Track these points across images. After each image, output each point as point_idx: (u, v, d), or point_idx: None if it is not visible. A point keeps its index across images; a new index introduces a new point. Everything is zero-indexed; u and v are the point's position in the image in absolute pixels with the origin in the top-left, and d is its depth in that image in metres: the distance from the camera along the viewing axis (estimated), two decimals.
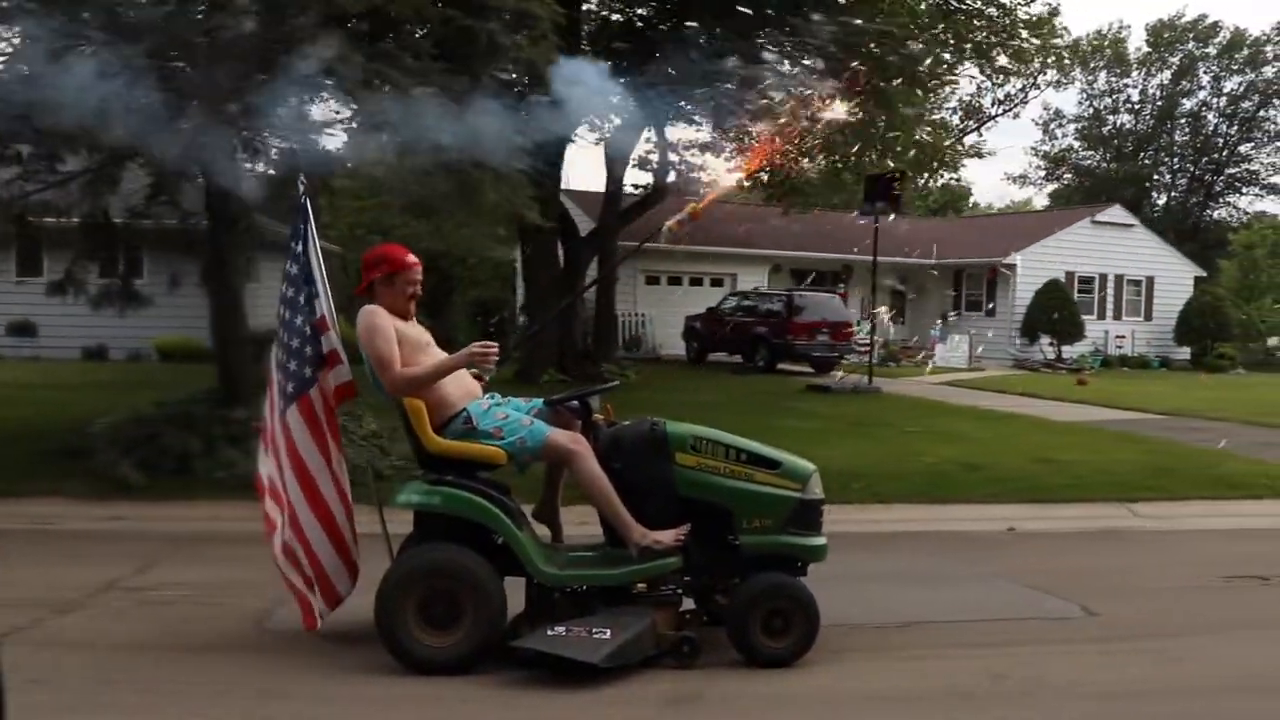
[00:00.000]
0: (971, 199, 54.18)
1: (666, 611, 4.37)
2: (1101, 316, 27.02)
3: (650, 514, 4.33)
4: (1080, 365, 24.28)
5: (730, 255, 24.64)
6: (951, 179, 43.92)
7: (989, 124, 45.55)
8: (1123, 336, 27.05)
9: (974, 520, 8.00)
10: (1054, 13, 21.21)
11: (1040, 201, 51.71)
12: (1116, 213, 26.75)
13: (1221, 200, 49.58)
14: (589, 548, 4.60)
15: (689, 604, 4.52)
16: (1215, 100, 47.74)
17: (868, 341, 23.75)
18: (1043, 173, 50.46)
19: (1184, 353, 27.94)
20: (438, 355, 4.46)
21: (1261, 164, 48.20)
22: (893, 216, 16.71)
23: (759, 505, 4.37)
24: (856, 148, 19.16)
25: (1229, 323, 27.43)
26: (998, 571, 6.13)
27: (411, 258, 4.49)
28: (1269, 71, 45.87)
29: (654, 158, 19.49)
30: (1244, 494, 9.08)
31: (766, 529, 4.37)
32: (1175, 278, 28.12)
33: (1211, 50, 46.82)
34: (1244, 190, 49.00)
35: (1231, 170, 48.79)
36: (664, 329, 23.15)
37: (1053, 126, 50.44)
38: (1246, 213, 49.85)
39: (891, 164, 19.05)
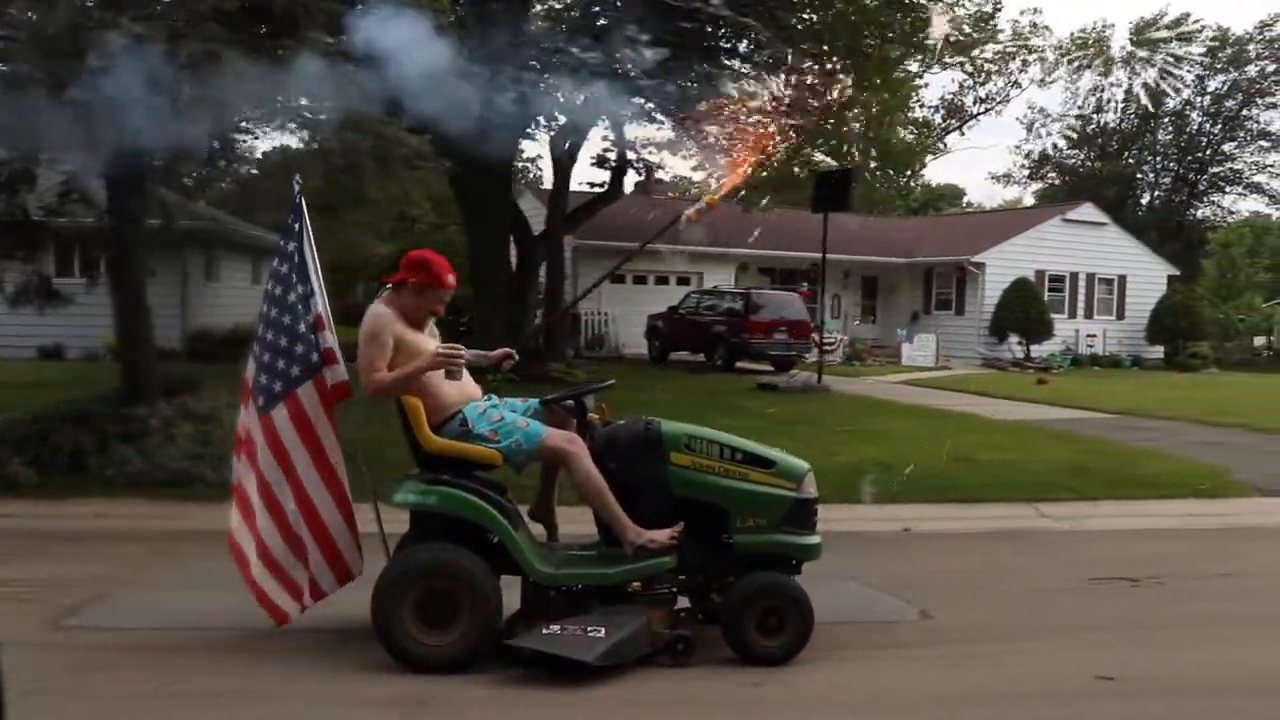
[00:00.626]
0: (965, 199, 54.18)
1: (661, 610, 4.40)
2: (1073, 315, 26.92)
3: (645, 513, 4.37)
4: (1048, 364, 24.18)
5: (696, 254, 24.49)
6: (929, 180, 43.85)
7: (970, 122, 45.50)
8: (1094, 335, 26.94)
9: (874, 520, 7.87)
10: (997, 8, 21.06)
11: (1030, 201, 51.64)
12: (1088, 211, 26.63)
13: (1206, 199, 49.50)
14: (584, 547, 4.62)
15: (684, 602, 4.56)
16: (1199, 99, 47.72)
17: (831, 340, 23.75)
18: (1026, 172, 50.35)
19: (1157, 352, 27.84)
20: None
21: (1245, 163, 48.20)
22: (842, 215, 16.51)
23: (754, 504, 4.42)
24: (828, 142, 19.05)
25: (1201, 321, 27.34)
26: (862, 574, 5.98)
27: (451, 279, 4.48)
28: (1252, 70, 45.82)
29: (611, 155, 19.42)
30: (1158, 494, 8.98)
31: (761, 528, 4.42)
32: (1148, 276, 28.00)
33: (1195, 49, 46.78)
34: (1227, 189, 48.94)
35: (1215, 169, 48.72)
36: (627, 328, 23.03)
37: (1037, 125, 50.38)
38: (1232, 212, 49.93)
39: (859, 156, 18.98)
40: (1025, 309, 24.19)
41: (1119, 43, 47.31)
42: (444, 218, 27.01)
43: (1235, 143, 47.94)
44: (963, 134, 46.39)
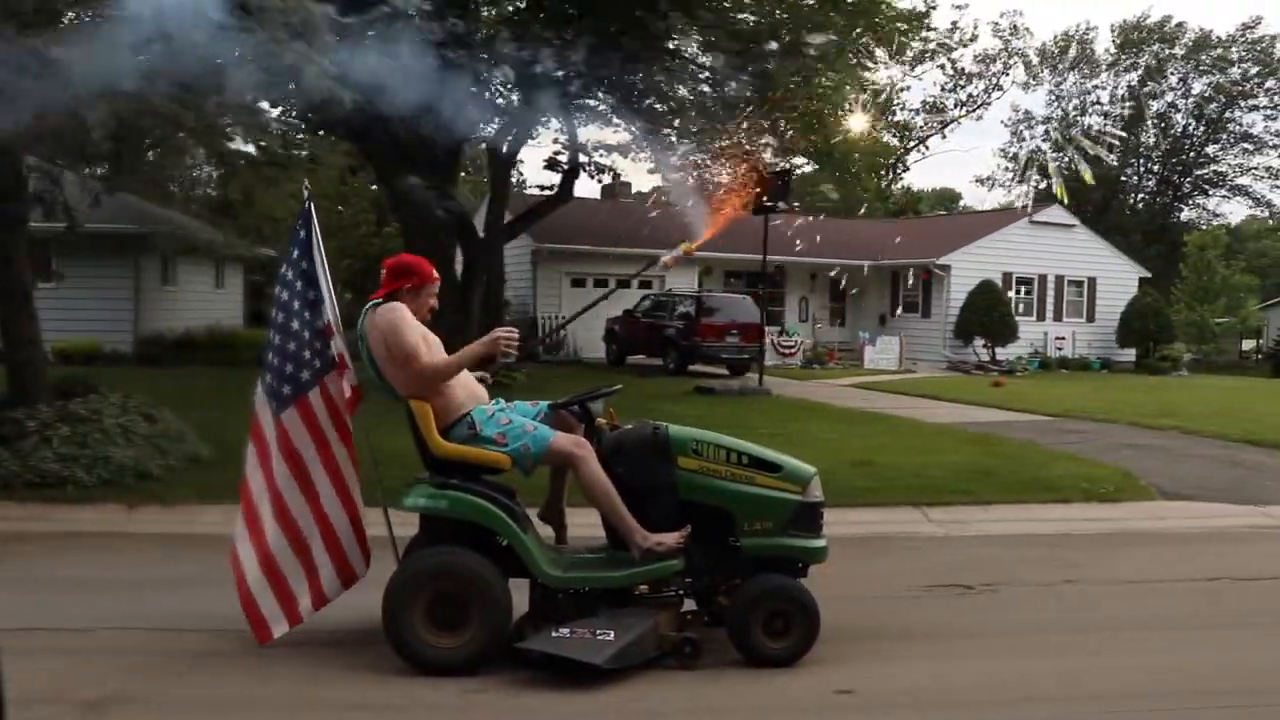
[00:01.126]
0: (961, 203, 53.99)
1: (669, 613, 4.44)
2: (1041, 318, 26.75)
3: (652, 517, 4.40)
4: (1012, 368, 24.01)
5: (658, 257, 24.36)
6: (909, 183, 43.70)
7: (952, 125, 45.39)
8: (1063, 338, 26.76)
9: None
10: (931, 7, 20.94)
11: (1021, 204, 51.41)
12: (1056, 213, 26.42)
13: (1190, 202, 49.35)
14: (593, 550, 4.65)
15: (690, 605, 4.59)
16: (1183, 102, 47.55)
17: (791, 343, 23.60)
18: (1010, 175, 50.19)
19: (1129, 355, 27.65)
20: (443, 358, 4.50)
21: (1229, 165, 48.04)
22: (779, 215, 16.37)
23: (760, 508, 4.46)
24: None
25: (1170, 324, 27.15)
26: None
27: (435, 272, 4.64)
28: (1235, 73, 45.65)
29: (562, 158, 19.29)
30: (1055, 498, 8.81)
31: (768, 531, 4.46)
32: (1119, 279, 27.81)
33: (1179, 51, 46.59)
34: (1210, 192, 48.77)
35: (1199, 171, 48.54)
36: (586, 331, 22.86)
37: (1021, 128, 50.22)
38: (1216, 214, 49.70)
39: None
40: (989, 311, 24.02)
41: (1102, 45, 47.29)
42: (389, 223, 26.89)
43: (1219, 145, 47.85)
44: (944, 137, 46.37)
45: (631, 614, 4.33)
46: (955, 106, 44.67)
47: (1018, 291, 26.31)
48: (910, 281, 25.39)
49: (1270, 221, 51.73)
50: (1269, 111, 45.53)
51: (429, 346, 4.44)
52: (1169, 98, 47.47)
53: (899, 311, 26.82)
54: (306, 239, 4.68)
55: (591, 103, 17.23)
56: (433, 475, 4.43)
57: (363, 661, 4.37)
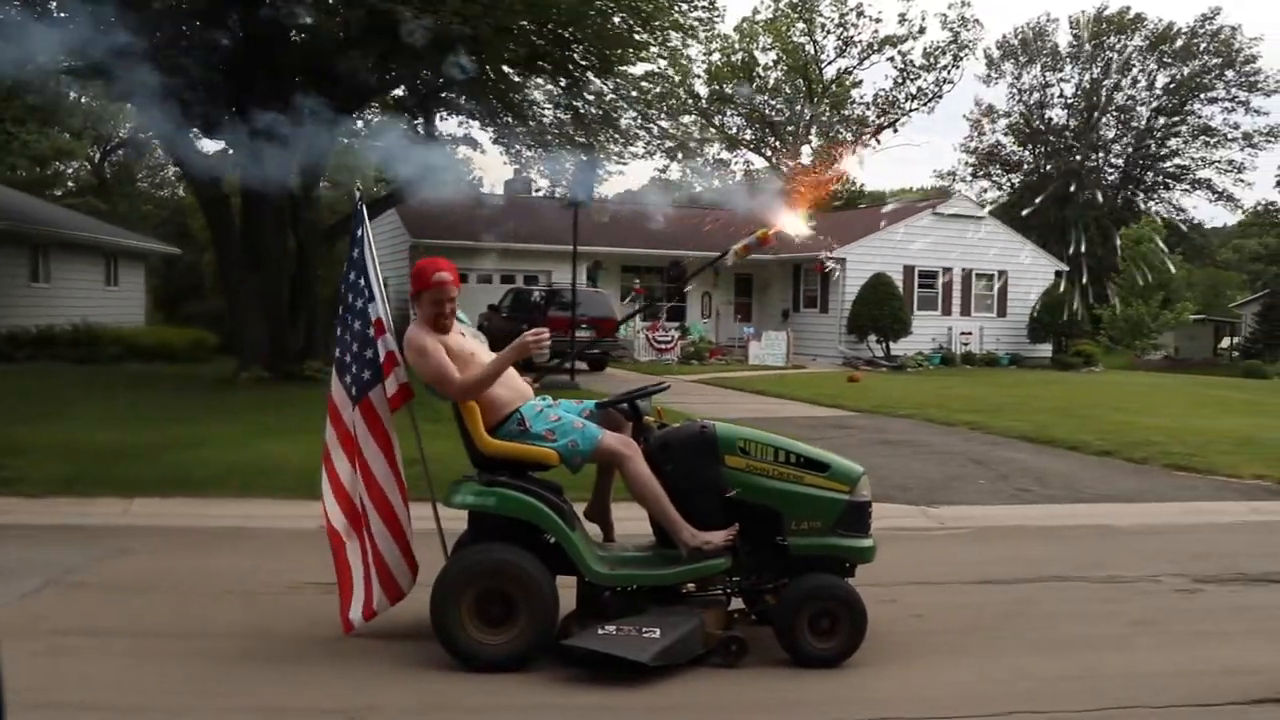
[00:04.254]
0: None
1: (715, 611, 4.42)
2: (947, 312, 26.15)
3: (699, 515, 4.39)
4: (904, 364, 23.45)
5: (544, 252, 24.00)
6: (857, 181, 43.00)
7: (903, 118, 44.72)
8: (969, 333, 26.14)
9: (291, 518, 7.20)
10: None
11: (992, 195, 50.63)
12: (963, 204, 25.85)
13: (1153, 195, 48.45)
14: (640, 548, 4.65)
15: (737, 603, 4.59)
16: (1146, 95, 46.69)
17: (667, 339, 23.13)
18: (970, 169, 49.47)
19: (1045, 350, 27.02)
20: (488, 357, 4.51)
21: (1191, 158, 47.15)
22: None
23: (808, 507, 4.45)
24: None
25: (1081, 319, 26.47)
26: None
27: (439, 275, 4.47)
28: (1195, 64, 44.77)
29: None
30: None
31: (816, 530, 4.45)
32: (1033, 272, 27.17)
33: (1140, 42, 45.76)
34: (1172, 185, 47.90)
35: (1162, 164, 47.66)
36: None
37: (983, 122, 49.45)
38: (1181, 208, 48.79)
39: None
40: (880, 306, 23.43)
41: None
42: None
43: (1180, 138, 46.98)
44: (895, 130, 45.70)
45: (678, 612, 4.33)
46: (906, 100, 44.01)
47: (921, 285, 25.71)
48: (809, 277, 24.89)
49: (1243, 215, 50.77)
50: (1227, 104, 44.71)
51: (458, 360, 4.39)
52: (1133, 90, 46.69)
53: (801, 306, 26.29)
54: (361, 237, 4.71)
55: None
56: (480, 472, 4.43)
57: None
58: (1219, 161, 46.42)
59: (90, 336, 21.24)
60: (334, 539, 4.49)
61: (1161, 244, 32.97)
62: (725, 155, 45.72)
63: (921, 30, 42.91)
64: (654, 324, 24.07)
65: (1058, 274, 27.68)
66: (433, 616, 4.22)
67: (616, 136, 17.56)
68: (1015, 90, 48.32)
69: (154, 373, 18.37)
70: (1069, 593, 5.72)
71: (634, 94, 16.57)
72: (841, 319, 24.60)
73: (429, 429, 4.93)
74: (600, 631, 4.18)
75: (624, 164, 19.40)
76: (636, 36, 14.99)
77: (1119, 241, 33.90)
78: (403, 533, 4.56)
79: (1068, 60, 47.65)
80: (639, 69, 17.36)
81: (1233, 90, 44.31)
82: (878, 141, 46.13)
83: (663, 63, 18.24)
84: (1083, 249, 38.84)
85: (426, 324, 4.45)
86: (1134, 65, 46.31)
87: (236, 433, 10.30)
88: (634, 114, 17.19)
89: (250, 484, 7.97)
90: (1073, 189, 41.43)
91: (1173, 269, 33.50)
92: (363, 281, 4.64)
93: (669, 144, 19.66)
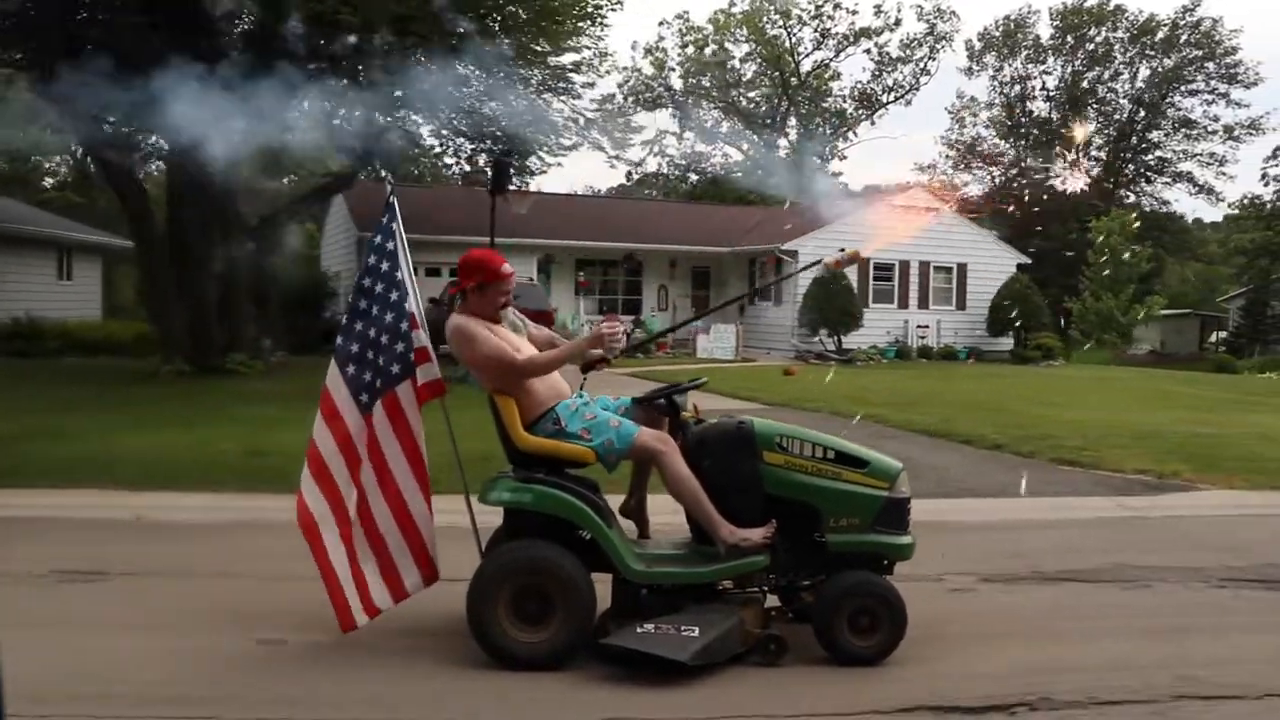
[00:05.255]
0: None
1: (753, 609, 4.41)
2: (903, 305, 25.90)
3: (737, 512, 4.37)
4: (854, 357, 23.24)
5: (498, 244, 23.77)
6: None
7: (880, 111, 44.46)
8: (926, 326, 25.90)
9: (103, 507, 7.15)
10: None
11: (975, 190, 50.31)
12: (920, 196, 25.54)
13: (1133, 188, 48.10)
14: (676, 544, 4.64)
15: (772, 601, 4.57)
16: (1127, 87, 46.35)
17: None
18: (950, 161, 49.21)
19: (1006, 344, 26.77)
20: (531, 349, 4.51)
21: (1172, 151, 46.81)
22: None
23: (847, 504, 4.42)
24: None
25: (1039, 312, 26.22)
26: None
27: (506, 268, 4.57)
28: (1177, 57, 44.40)
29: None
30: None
31: (854, 528, 4.42)
32: (993, 265, 26.89)
33: (1122, 35, 45.42)
34: (1153, 178, 47.57)
35: (1143, 157, 47.33)
36: None
37: (965, 115, 49.19)
38: (1165, 201, 48.46)
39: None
40: (828, 299, 23.21)
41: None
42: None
43: (1161, 131, 46.64)
44: (873, 123, 45.43)
45: (716, 610, 4.31)
46: (883, 93, 43.75)
47: (877, 278, 25.48)
48: (764, 269, 24.69)
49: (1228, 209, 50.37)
50: (1207, 97, 44.36)
51: (514, 340, 4.43)
52: (1115, 83, 46.36)
53: (757, 299, 26.09)
54: (394, 229, 4.63)
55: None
56: (515, 469, 4.41)
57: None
58: (1200, 154, 46.14)
59: (33, 330, 21.18)
60: (309, 527, 4.35)
61: (1130, 237, 32.75)
62: (702, 147, 45.59)
63: (897, 22, 42.51)
64: (608, 315, 23.90)
65: (1020, 267, 27.42)
66: (469, 613, 4.20)
67: (547, 127, 17.35)
68: (997, 83, 48.07)
69: (85, 366, 18.28)
70: None
71: (556, 81, 16.34)
72: (795, 312, 24.39)
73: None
74: (639, 630, 4.16)
75: (555, 154, 19.23)
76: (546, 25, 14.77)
77: (1090, 234, 33.68)
78: (416, 530, 4.48)
79: (1050, 52, 47.35)
80: (566, 59, 17.17)
81: (1213, 83, 43.96)
82: (855, 134, 45.67)
83: (588, 52, 18.03)
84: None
85: (476, 314, 4.46)
86: (1116, 57, 45.99)
87: (104, 425, 10.20)
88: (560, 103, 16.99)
89: (76, 474, 7.88)
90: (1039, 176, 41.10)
91: (1144, 263, 33.29)
92: (398, 275, 4.56)
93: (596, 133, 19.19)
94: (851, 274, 24.56)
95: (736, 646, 4.23)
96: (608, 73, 19.36)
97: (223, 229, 16.76)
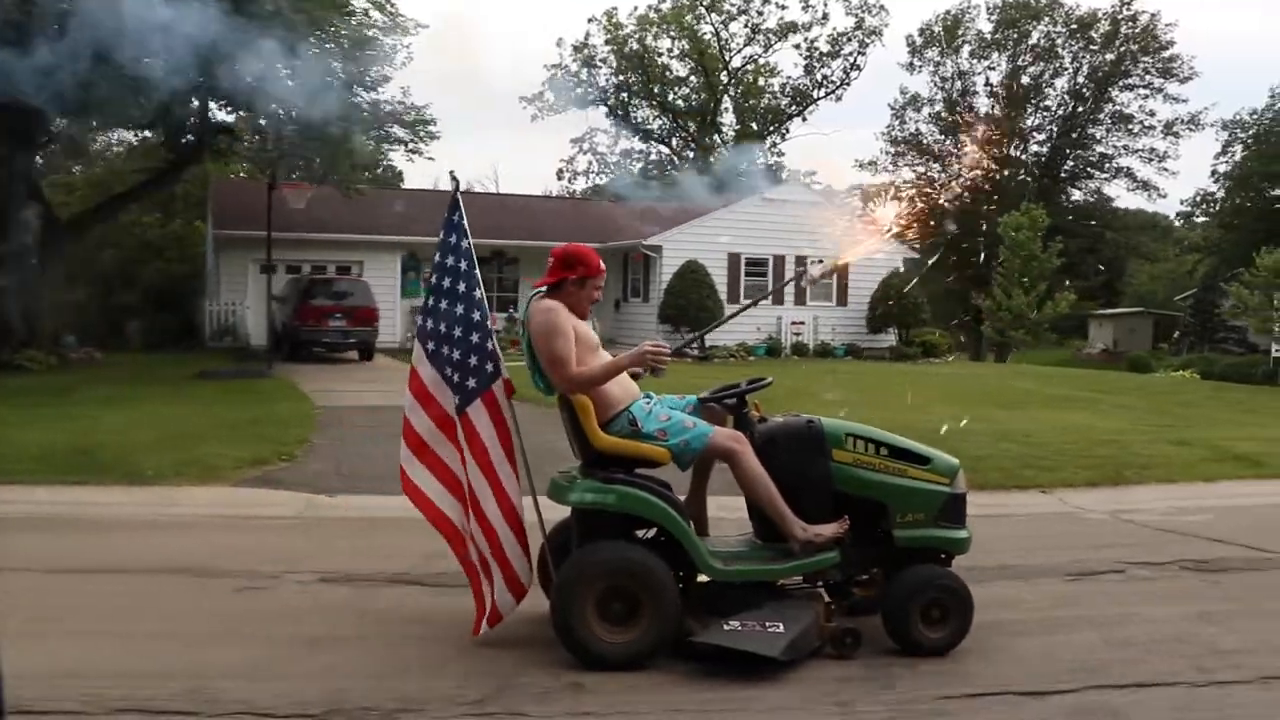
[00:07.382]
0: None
1: (818, 604, 4.52)
2: (778, 301, 25.66)
3: (806, 509, 4.46)
4: (712, 355, 23.06)
5: (355, 242, 23.78)
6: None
7: (811, 106, 44.20)
8: (801, 323, 25.66)
9: None
10: None
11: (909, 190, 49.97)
12: (794, 190, 25.38)
13: (1074, 184, 47.71)
14: (743, 542, 4.72)
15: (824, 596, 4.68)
16: (1068, 83, 45.94)
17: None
18: (890, 157, 48.88)
19: (888, 340, 26.52)
20: (605, 356, 4.56)
21: (1114, 147, 46.40)
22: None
23: (913, 500, 4.55)
24: None
25: (918, 309, 25.99)
26: None
27: (602, 264, 4.65)
28: (1117, 51, 43.99)
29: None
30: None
31: (919, 523, 4.54)
32: (876, 261, 26.51)
33: (1062, 29, 45.04)
34: (1093, 175, 47.16)
35: (1082, 153, 46.94)
36: (261, 318, 22.33)
37: (906, 110, 48.84)
38: (1110, 197, 48.03)
39: None
40: (687, 295, 23.05)
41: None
42: None
43: (1101, 127, 46.25)
44: (804, 119, 45.19)
45: (793, 606, 4.41)
46: (814, 88, 43.52)
47: (749, 273, 25.28)
48: (635, 265, 24.59)
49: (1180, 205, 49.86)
50: (1143, 92, 43.98)
51: (584, 347, 4.46)
52: (1056, 80, 46.00)
53: (629, 295, 25.98)
54: (461, 226, 4.63)
55: None
56: (589, 469, 4.46)
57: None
58: (1141, 150, 45.75)
59: None
60: (453, 537, 4.40)
61: (1040, 233, 32.45)
62: (639, 145, 45.46)
63: (825, 17, 42.21)
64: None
65: (907, 261, 27.18)
66: (554, 614, 4.23)
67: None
68: (937, 79, 47.75)
69: None
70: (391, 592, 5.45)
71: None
72: (657, 309, 24.26)
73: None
74: (725, 627, 4.21)
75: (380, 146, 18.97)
76: None
77: (999, 230, 33.40)
78: (522, 528, 4.54)
79: (994, 48, 46.99)
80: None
81: (1148, 78, 43.57)
82: (786, 129, 45.40)
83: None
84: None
85: (570, 306, 4.49)
86: (1061, 55, 45.59)
87: None
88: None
89: None
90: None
91: (1054, 259, 32.98)
92: (477, 271, 4.60)
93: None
94: (720, 268, 24.44)
95: (816, 641, 4.33)
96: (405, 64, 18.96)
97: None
